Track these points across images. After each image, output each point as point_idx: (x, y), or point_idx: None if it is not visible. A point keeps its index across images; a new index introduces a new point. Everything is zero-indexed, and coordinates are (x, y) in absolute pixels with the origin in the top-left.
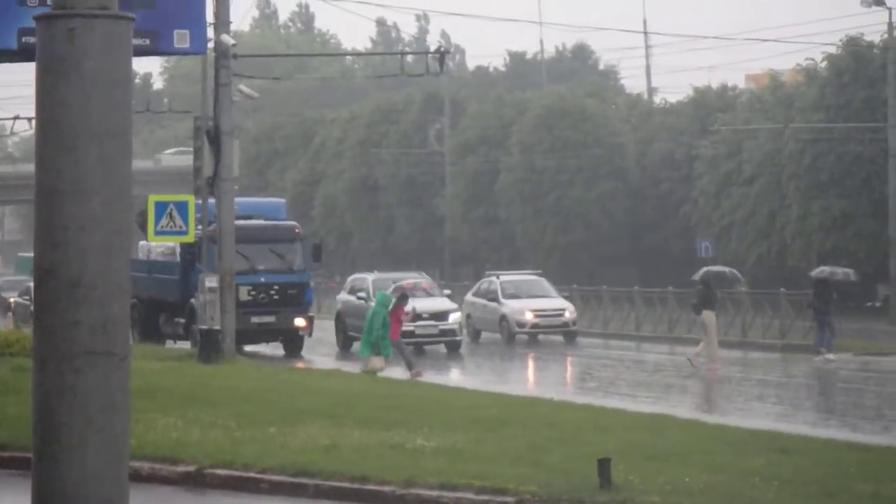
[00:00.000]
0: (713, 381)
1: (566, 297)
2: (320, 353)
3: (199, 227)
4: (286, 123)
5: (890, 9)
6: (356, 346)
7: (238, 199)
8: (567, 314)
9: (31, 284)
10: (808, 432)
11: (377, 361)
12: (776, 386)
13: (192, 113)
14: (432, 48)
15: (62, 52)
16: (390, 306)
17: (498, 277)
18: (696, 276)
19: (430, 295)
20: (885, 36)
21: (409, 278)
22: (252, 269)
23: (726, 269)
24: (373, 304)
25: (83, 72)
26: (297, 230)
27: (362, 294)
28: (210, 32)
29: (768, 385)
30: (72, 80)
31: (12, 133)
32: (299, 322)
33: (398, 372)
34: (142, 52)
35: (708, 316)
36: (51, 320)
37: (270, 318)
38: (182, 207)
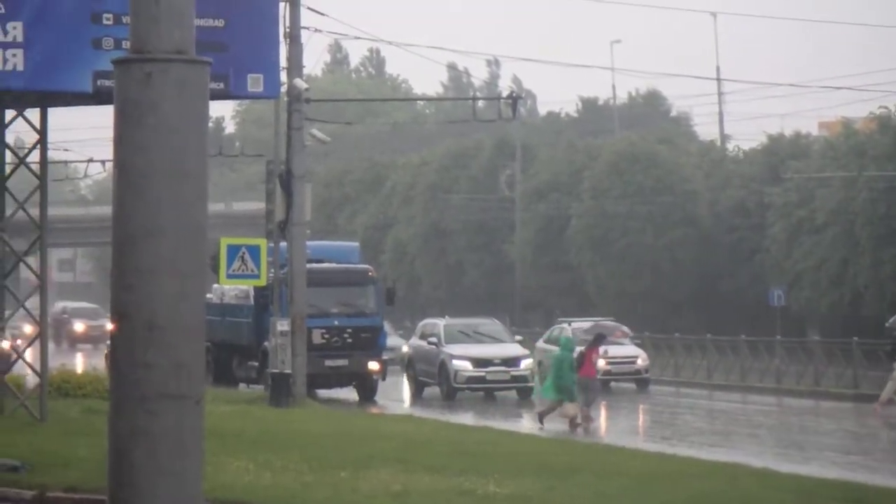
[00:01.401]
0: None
1: (638, 345)
2: (392, 397)
3: (272, 270)
4: (357, 168)
5: None
6: (537, 390)
7: (311, 243)
8: (639, 361)
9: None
10: (880, 482)
11: (570, 408)
12: (849, 436)
13: (264, 157)
14: (504, 93)
15: (138, 96)
16: (573, 347)
17: (569, 324)
18: (889, 324)
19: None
20: None
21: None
22: (325, 312)
23: None
24: (444, 348)
25: (159, 115)
26: (370, 273)
27: (433, 339)
28: (283, 77)
29: (841, 435)
30: (148, 124)
31: (86, 176)
32: (373, 366)
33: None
34: (216, 95)
35: None
36: (125, 363)
37: (343, 362)
38: (254, 251)
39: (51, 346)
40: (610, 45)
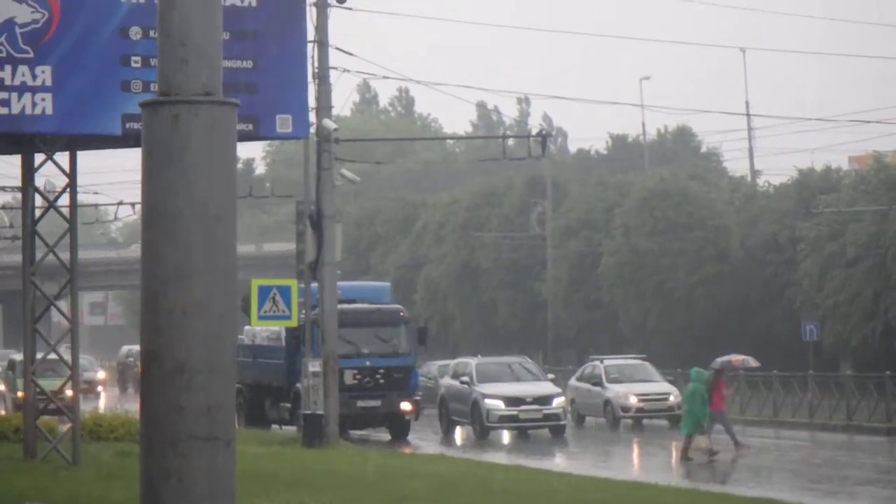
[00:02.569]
0: None
1: (670, 381)
2: (423, 437)
3: (303, 311)
4: (387, 207)
5: None
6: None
7: (343, 284)
8: (672, 398)
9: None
10: None
11: (702, 440)
12: (883, 470)
13: (294, 197)
14: (534, 131)
15: (167, 139)
16: (704, 379)
17: (601, 361)
18: None
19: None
20: None
21: (515, 362)
22: (357, 352)
23: None
24: (476, 387)
25: (188, 157)
26: (402, 314)
27: (465, 378)
28: (312, 117)
29: (874, 469)
30: (177, 166)
31: (116, 218)
32: (405, 406)
33: (500, 457)
34: (245, 137)
35: None
36: (156, 404)
37: (376, 402)
38: (285, 292)
39: (116, 391)
40: (639, 82)
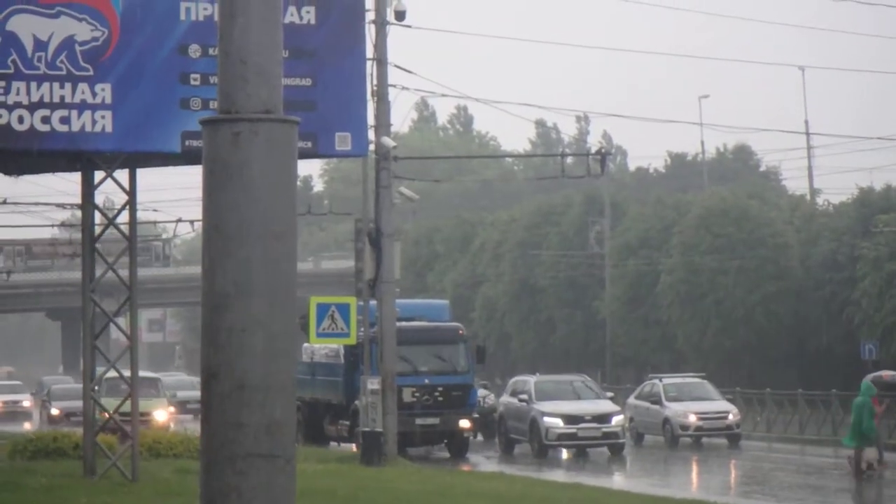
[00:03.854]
0: None
1: (729, 400)
2: (483, 454)
3: (361, 329)
4: (445, 225)
5: None
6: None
7: (401, 301)
8: (730, 417)
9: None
10: None
11: (871, 453)
12: None
13: (353, 215)
14: (593, 149)
15: (227, 156)
16: (874, 393)
17: (661, 380)
18: None
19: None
20: None
21: (574, 380)
22: (416, 370)
23: None
24: (535, 405)
25: (248, 175)
26: (460, 332)
27: (524, 396)
28: (370, 135)
29: None
30: (237, 184)
31: (175, 235)
32: (464, 423)
33: (558, 475)
34: (304, 154)
35: None
36: (216, 422)
37: (435, 420)
38: (344, 309)
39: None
40: (698, 100)
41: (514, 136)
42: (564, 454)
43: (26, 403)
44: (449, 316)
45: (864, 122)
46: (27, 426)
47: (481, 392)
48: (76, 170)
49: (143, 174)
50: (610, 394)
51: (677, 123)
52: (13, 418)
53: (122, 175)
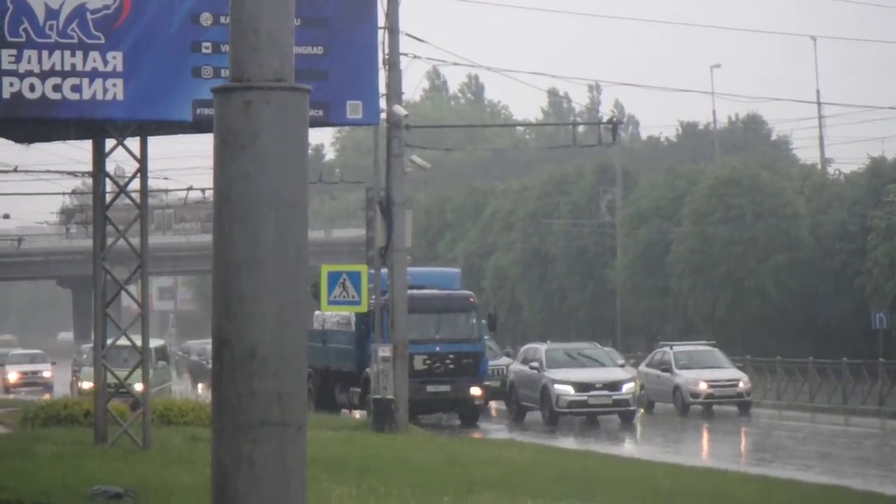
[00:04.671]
0: None
1: (740, 368)
2: (493, 422)
3: (373, 297)
4: (457, 194)
5: None
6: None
7: (412, 270)
8: (741, 384)
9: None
10: None
11: None
12: None
13: (364, 184)
14: (604, 118)
15: (239, 125)
16: None
17: (671, 348)
18: None
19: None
20: None
21: (585, 348)
22: (427, 338)
23: None
24: (545, 373)
25: (260, 144)
26: (471, 300)
27: (535, 364)
28: (382, 103)
29: None
30: (248, 153)
31: (186, 204)
32: (475, 391)
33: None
34: (315, 123)
35: None
36: (227, 391)
37: (445, 388)
38: (355, 277)
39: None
40: (710, 70)
41: (526, 106)
42: (576, 422)
43: (47, 374)
44: (460, 284)
45: (876, 91)
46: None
47: (504, 360)
48: (87, 138)
49: (153, 142)
50: (621, 361)
51: (689, 93)
52: (33, 390)
53: (133, 143)
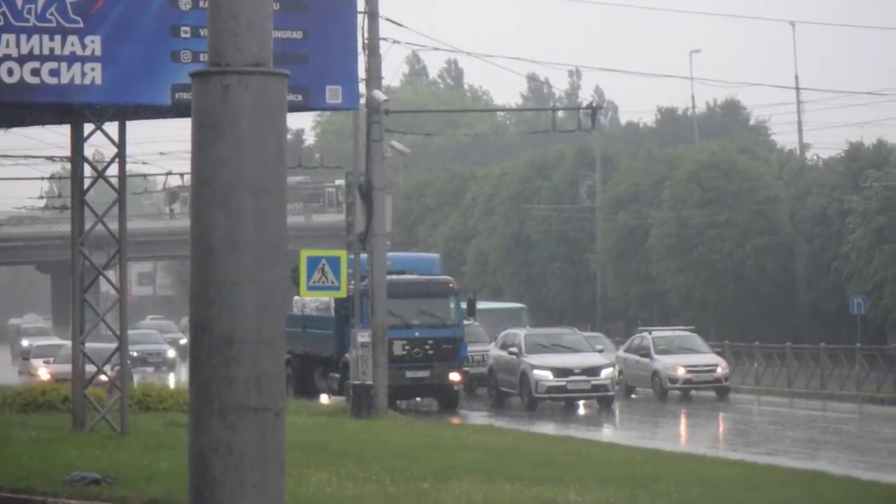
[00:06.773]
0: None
1: (718, 353)
2: (472, 407)
3: (352, 282)
4: (437, 179)
5: None
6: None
7: (392, 255)
8: (719, 370)
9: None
10: None
11: None
12: None
13: (344, 168)
14: (584, 104)
15: (217, 109)
16: None
17: (650, 333)
18: None
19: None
20: None
21: (564, 333)
22: (406, 323)
23: None
24: (525, 358)
25: (238, 128)
26: (451, 285)
27: (514, 349)
28: (361, 88)
29: None
30: (226, 137)
31: (165, 189)
32: (454, 377)
33: (548, 428)
34: (294, 107)
35: None
36: (205, 376)
37: (425, 373)
38: (334, 263)
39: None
40: (689, 55)
41: (506, 91)
42: (554, 407)
43: None
44: (440, 269)
45: (855, 77)
46: None
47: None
48: (66, 122)
49: (132, 126)
50: (600, 347)
51: (668, 78)
52: None
53: (112, 128)
